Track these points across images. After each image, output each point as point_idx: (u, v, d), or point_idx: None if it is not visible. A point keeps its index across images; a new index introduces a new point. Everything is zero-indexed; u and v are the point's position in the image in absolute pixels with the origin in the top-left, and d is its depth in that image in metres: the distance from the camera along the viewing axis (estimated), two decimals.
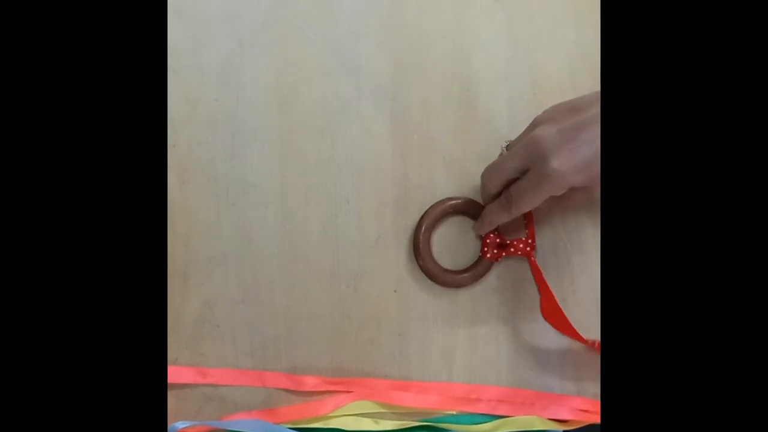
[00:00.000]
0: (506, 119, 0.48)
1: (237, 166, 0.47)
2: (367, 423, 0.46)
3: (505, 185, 0.42)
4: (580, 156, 0.37)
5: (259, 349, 0.47)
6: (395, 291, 0.47)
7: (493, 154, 0.47)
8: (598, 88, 0.39)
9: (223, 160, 0.47)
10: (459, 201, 0.47)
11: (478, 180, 0.47)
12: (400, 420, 0.47)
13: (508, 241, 0.46)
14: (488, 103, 0.48)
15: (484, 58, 0.48)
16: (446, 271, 0.47)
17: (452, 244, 0.48)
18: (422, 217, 0.47)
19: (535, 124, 0.41)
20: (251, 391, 0.47)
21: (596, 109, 0.37)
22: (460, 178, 0.48)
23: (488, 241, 0.46)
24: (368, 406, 0.47)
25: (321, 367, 0.47)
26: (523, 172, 0.40)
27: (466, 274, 0.47)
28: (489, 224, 0.45)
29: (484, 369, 0.48)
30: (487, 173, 0.43)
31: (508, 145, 0.44)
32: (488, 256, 0.46)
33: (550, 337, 0.47)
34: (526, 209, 0.41)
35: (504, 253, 0.46)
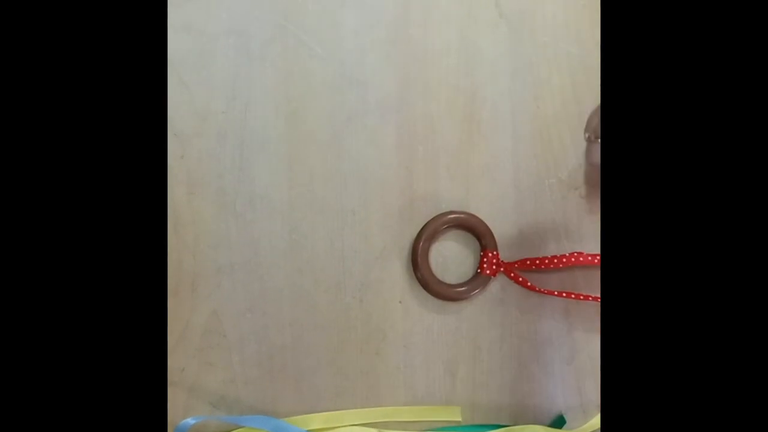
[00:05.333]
0: (510, 133, 0.48)
1: (245, 178, 0.47)
2: None
3: None
4: None
5: (265, 359, 0.47)
6: (400, 302, 0.48)
7: (497, 167, 0.48)
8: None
9: (231, 171, 0.47)
10: (459, 215, 0.48)
11: (482, 191, 0.48)
12: (404, 430, 0.47)
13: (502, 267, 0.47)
14: (492, 117, 0.49)
15: (487, 72, 0.49)
16: (443, 283, 0.47)
17: (454, 257, 0.48)
18: (422, 230, 0.47)
19: None
20: (258, 401, 0.47)
21: None
22: (465, 191, 0.48)
23: (486, 259, 0.47)
24: (373, 415, 0.47)
25: (326, 378, 0.47)
26: None
27: (462, 288, 0.47)
28: None
29: (488, 380, 0.48)
30: None
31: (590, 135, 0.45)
32: (487, 272, 0.47)
33: (553, 349, 0.48)
34: None
35: (501, 270, 0.48)
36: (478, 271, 0.48)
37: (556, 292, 0.47)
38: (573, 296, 0.47)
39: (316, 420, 0.47)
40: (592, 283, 0.48)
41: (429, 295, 0.47)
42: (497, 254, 0.47)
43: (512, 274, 0.47)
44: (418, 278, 0.47)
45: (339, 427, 0.47)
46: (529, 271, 0.48)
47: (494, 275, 0.47)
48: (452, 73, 0.49)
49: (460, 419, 0.47)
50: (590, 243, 0.48)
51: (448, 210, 0.48)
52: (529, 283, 0.47)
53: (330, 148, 0.48)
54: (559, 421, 0.47)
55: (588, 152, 0.47)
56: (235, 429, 0.46)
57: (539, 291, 0.47)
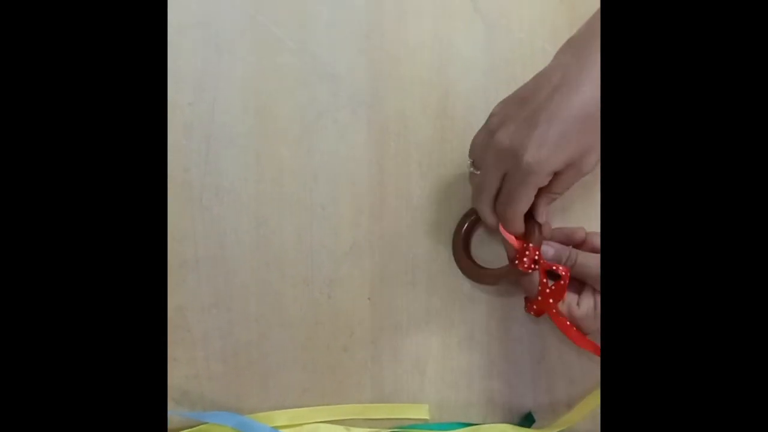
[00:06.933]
0: None
1: (212, 172, 0.47)
2: (338, 431, 0.47)
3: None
4: (550, 138, 0.37)
5: (230, 356, 0.46)
6: (369, 298, 0.47)
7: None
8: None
9: (198, 165, 0.47)
10: None
11: (454, 189, 0.47)
12: (371, 428, 0.47)
13: (549, 267, 0.43)
14: (465, 114, 0.48)
15: (462, 68, 0.48)
16: (476, 265, 0.46)
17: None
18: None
19: (491, 130, 0.40)
20: (223, 397, 0.46)
21: (543, 93, 0.38)
22: (437, 187, 0.48)
23: (527, 252, 0.43)
24: (340, 412, 0.47)
25: (292, 374, 0.47)
26: (503, 179, 0.40)
27: (490, 275, 0.45)
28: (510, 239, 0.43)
29: (456, 378, 0.48)
30: (476, 201, 0.43)
31: (473, 162, 0.42)
32: (525, 266, 0.43)
33: (524, 348, 0.48)
34: (521, 209, 0.40)
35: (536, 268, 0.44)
36: (516, 262, 0.43)
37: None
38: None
39: (282, 417, 0.46)
40: None
41: (397, 292, 0.47)
42: (540, 253, 0.43)
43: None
44: (456, 243, 0.46)
45: (305, 424, 0.46)
46: None
47: (529, 270, 0.43)
48: (426, 68, 0.48)
49: (428, 417, 0.47)
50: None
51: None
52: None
53: (300, 142, 0.47)
54: (528, 420, 0.47)
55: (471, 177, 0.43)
56: (198, 425, 0.45)
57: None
